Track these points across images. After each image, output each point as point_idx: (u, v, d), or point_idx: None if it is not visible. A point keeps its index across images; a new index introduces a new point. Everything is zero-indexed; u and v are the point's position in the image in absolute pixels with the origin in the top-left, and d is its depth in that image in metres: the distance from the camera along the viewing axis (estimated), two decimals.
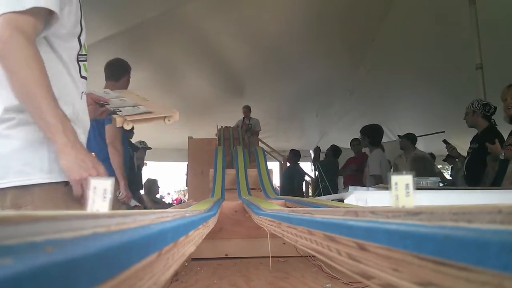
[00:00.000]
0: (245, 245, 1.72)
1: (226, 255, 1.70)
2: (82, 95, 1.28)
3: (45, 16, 1.09)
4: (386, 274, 0.29)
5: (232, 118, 6.73)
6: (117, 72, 2.92)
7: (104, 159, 2.75)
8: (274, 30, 5.59)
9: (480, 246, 0.19)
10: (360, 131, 4.66)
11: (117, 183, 2.76)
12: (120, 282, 0.22)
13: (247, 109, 6.64)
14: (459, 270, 0.20)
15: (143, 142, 5.54)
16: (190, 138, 5.29)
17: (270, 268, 1.42)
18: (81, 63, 1.28)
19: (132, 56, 4.67)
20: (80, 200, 1.12)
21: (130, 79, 3.03)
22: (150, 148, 5.52)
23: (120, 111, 1.36)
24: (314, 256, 1.36)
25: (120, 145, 2.78)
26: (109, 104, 1.43)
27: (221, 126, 5.47)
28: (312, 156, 7.80)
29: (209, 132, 6.01)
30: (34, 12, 1.04)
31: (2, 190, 1.09)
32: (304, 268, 1.42)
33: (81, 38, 1.27)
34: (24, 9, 1.01)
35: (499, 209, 0.27)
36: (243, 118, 6.61)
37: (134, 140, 4.69)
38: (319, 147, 7.55)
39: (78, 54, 1.26)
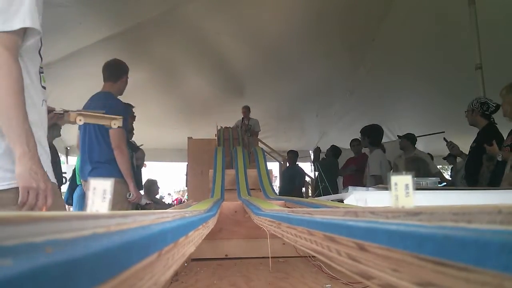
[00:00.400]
0: (245, 245, 1.72)
1: (226, 255, 1.70)
2: (43, 103, 1.39)
3: (23, 33, 1.22)
4: (386, 274, 0.29)
5: (232, 118, 6.72)
6: (116, 73, 2.92)
7: (106, 161, 2.75)
8: (274, 30, 5.59)
9: (480, 246, 0.19)
10: (360, 131, 4.65)
11: (126, 185, 2.77)
12: (120, 282, 0.22)
13: (246, 109, 6.64)
14: (459, 271, 0.20)
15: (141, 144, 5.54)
16: (189, 138, 5.29)
17: (270, 269, 1.42)
18: (41, 75, 1.40)
19: (132, 57, 4.67)
20: (21, 207, 1.18)
21: (130, 80, 3.03)
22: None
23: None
24: (314, 257, 1.36)
25: (125, 148, 2.79)
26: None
27: (221, 127, 5.47)
28: (312, 157, 7.79)
29: (209, 132, 6.00)
30: (18, 31, 1.18)
31: None
32: (304, 268, 1.42)
33: (40, 51, 1.37)
34: (12, 29, 1.16)
35: (499, 209, 0.27)
36: (242, 118, 6.61)
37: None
38: (319, 148, 7.55)
39: (39, 67, 1.38)
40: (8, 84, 1.12)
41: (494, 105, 3.35)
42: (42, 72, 1.41)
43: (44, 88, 1.43)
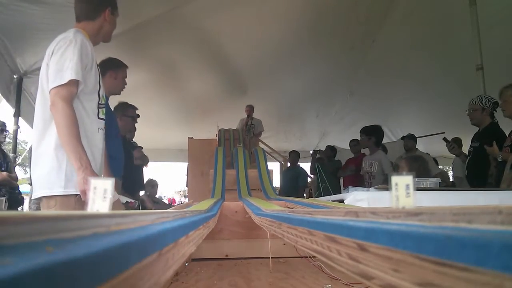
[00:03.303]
0: (245, 245, 1.72)
1: (226, 255, 1.70)
2: (98, 130, 1.87)
3: (77, 83, 1.72)
4: (386, 274, 0.29)
5: (233, 118, 6.72)
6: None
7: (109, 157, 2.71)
8: (275, 30, 5.59)
9: (481, 246, 0.19)
10: (363, 131, 4.56)
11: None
12: (120, 282, 0.22)
13: (250, 108, 6.60)
14: (459, 271, 0.20)
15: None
16: (190, 138, 5.28)
17: (270, 269, 1.42)
18: (99, 109, 1.87)
19: (133, 57, 4.67)
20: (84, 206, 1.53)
21: (131, 80, 2.98)
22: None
23: None
24: (314, 257, 1.36)
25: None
26: None
27: (222, 128, 5.46)
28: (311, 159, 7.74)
29: (209, 132, 6.00)
30: (70, 82, 1.67)
31: (46, 198, 1.74)
32: (304, 269, 1.42)
33: (99, 92, 1.88)
34: (64, 82, 1.65)
35: (500, 209, 0.27)
36: (247, 116, 6.58)
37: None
38: (315, 152, 7.49)
39: (98, 103, 1.87)
40: (65, 123, 1.63)
41: (496, 102, 3.28)
42: (102, 108, 1.89)
43: (102, 119, 1.90)
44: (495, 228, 0.25)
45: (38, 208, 2.41)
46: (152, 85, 6.24)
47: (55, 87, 1.66)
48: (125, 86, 2.89)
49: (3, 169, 4.08)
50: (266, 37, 5.73)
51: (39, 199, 1.78)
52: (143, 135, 5.05)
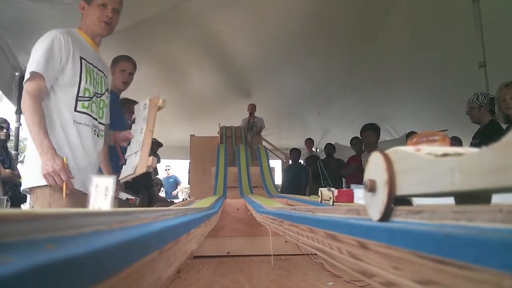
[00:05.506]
0: (247, 243, 1.72)
1: (228, 253, 1.70)
2: (74, 123, 1.83)
3: (41, 76, 1.72)
4: (387, 272, 0.29)
5: (235, 116, 6.71)
6: None
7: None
8: (277, 28, 5.58)
9: (481, 245, 0.19)
10: (367, 128, 4.49)
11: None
12: (122, 280, 0.22)
13: (252, 107, 6.61)
14: (459, 269, 0.20)
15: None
16: (192, 136, 5.28)
17: (272, 266, 1.43)
18: (79, 102, 1.84)
19: (135, 54, 4.65)
20: (52, 188, 1.68)
21: (134, 76, 2.99)
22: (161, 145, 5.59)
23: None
24: (316, 254, 1.36)
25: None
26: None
27: (224, 126, 5.46)
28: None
29: (211, 130, 6.00)
30: (34, 77, 1.70)
31: (31, 190, 1.75)
32: (306, 266, 1.42)
33: (81, 85, 1.84)
34: (27, 77, 1.70)
35: (500, 208, 0.27)
36: (249, 114, 6.59)
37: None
38: (312, 155, 7.49)
39: (78, 96, 1.84)
40: (27, 113, 1.67)
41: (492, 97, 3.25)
42: (84, 101, 1.86)
43: (83, 112, 1.86)
44: (495, 226, 0.25)
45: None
46: (154, 82, 6.24)
47: (24, 83, 1.73)
48: (130, 78, 2.90)
49: (6, 166, 4.09)
50: (268, 34, 5.72)
51: (27, 192, 1.83)
52: None
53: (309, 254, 1.53)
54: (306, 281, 1.19)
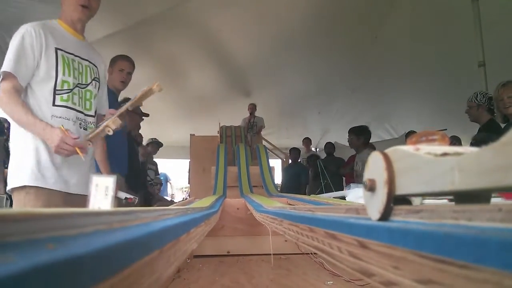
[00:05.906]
0: (246, 242, 1.72)
1: (228, 252, 1.70)
2: (52, 117, 1.77)
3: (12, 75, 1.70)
4: (386, 271, 0.29)
5: (235, 115, 6.72)
6: None
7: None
8: (277, 27, 5.58)
9: (480, 244, 0.19)
10: (348, 133, 4.64)
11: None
12: (122, 279, 0.22)
13: (253, 106, 6.63)
14: (459, 268, 0.20)
15: (154, 139, 5.60)
16: (192, 135, 5.28)
17: (272, 265, 1.43)
18: (57, 96, 1.79)
19: (135, 53, 4.66)
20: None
21: (133, 76, 2.99)
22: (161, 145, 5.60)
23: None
24: (315, 254, 1.36)
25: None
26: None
27: (223, 125, 5.46)
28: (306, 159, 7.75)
29: (211, 129, 6.00)
30: (7, 76, 1.68)
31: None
32: (306, 266, 1.42)
33: (58, 78, 1.79)
34: (1, 77, 1.69)
35: (499, 207, 0.27)
36: (250, 113, 6.60)
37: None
38: (313, 154, 7.50)
39: (55, 90, 1.78)
40: (10, 109, 1.68)
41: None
42: (61, 94, 1.79)
43: (63, 106, 1.80)
44: (494, 225, 0.25)
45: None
46: (155, 81, 6.23)
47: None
48: (128, 77, 2.88)
49: (6, 166, 4.08)
50: (268, 34, 5.72)
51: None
52: (144, 132, 5.06)
53: (309, 254, 1.53)
54: (306, 280, 1.19)
